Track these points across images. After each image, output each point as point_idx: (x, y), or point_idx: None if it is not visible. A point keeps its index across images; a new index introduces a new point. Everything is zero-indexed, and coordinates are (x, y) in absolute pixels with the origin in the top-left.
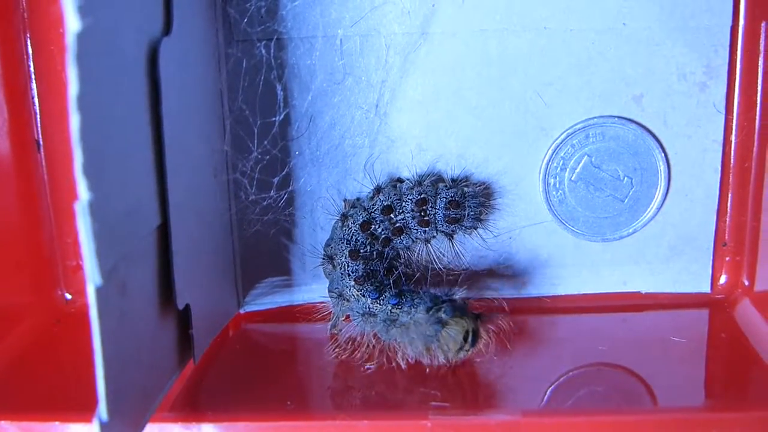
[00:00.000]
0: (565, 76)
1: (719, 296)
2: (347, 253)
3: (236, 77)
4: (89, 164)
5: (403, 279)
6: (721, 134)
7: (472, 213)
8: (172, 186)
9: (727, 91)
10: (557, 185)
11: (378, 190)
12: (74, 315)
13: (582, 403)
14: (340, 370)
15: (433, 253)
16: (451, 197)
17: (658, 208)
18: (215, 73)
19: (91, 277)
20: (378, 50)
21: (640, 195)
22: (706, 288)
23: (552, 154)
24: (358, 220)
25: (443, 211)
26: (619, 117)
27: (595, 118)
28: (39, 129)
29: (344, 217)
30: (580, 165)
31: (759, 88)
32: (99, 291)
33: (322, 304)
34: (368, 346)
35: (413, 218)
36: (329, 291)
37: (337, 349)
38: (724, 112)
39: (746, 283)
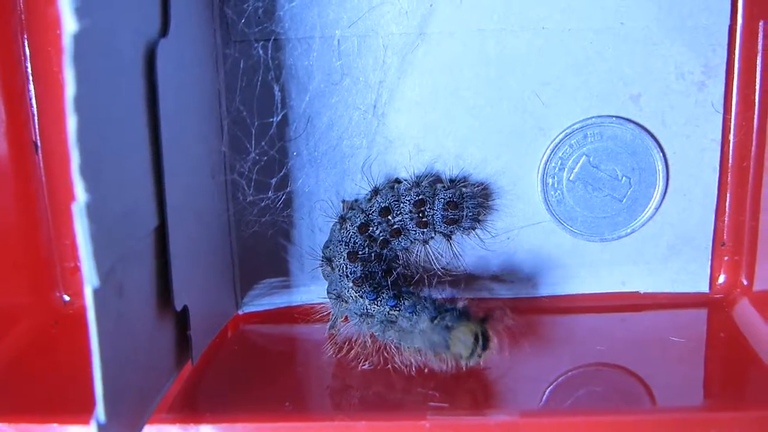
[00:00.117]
0: (563, 76)
1: (718, 296)
2: (345, 255)
3: (234, 78)
4: (86, 165)
5: (402, 280)
6: (719, 134)
7: (470, 214)
8: (169, 187)
9: (726, 90)
10: (555, 185)
11: (376, 191)
12: (72, 316)
13: (581, 403)
14: (338, 370)
15: (431, 254)
16: (449, 198)
17: (657, 208)
18: (213, 74)
19: (89, 278)
20: (376, 51)
21: (639, 195)
22: (704, 288)
23: (550, 154)
24: (356, 223)
25: (441, 212)
26: (617, 117)
27: (593, 117)
28: (37, 130)
29: (342, 219)
30: (579, 165)
31: (757, 87)
32: (96, 292)
33: (321, 305)
34: (366, 346)
35: (411, 219)
36: (328, 293)
37: (335, 349)
38: (722, 111)
39: (745, 282)
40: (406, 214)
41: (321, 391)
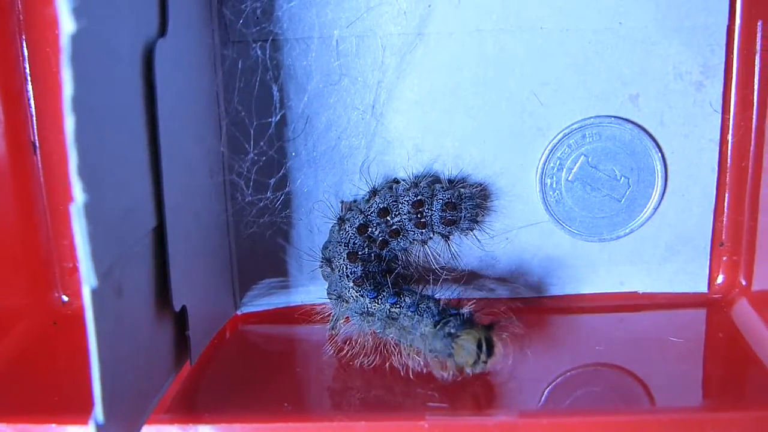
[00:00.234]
0: (562, 76)
1: (716, 296)
2: (345, 255)
3: (232, 78)
4: (84, 166)
5: (402, 280)
6: (717, 133)
7: (468, 215)
8: (168, 187)
9: (724, 90)
10: (554, 185)
11: (374, 192)
12: (71, 317)
13: (580, 403)
14: (336, 371)
15: (430, 254)
16: (448, 199)
17: (655, 208)
18: (211, 75)
19: (87, 278)
20: (374, 51)
21: (637, 195)
22: (703, 288)
23: (549, 155)
24: (355, 224)
25: (439, 213)
26: (615, 117)
27: (591, 118)
28: (35, 131)
29: (341, 220)
30: (577, 165)
31: (756, 87)
32: (95, 293)
33: (322, 306)
34: (366, 346)
35: (410, 220)
36: (328, 293)
37: (335, 349)
38: (720, 111)
39: (743, 282)
40: (405, 214)
41: (320, 392)
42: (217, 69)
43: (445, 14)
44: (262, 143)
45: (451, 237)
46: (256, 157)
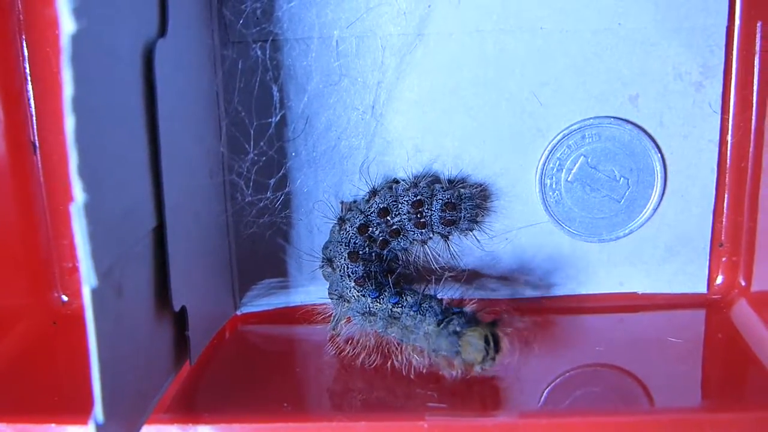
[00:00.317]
0: (561, 77)
1: (716, 297)
2: (346, 255)
3: (232, 78)
4: (84, 166)
5: (403, 280)
6: (717, 134)
7: (467, 215)
8: (168, 187)
9: (723, 91)
10: (553, 186)
11: (374, 192)
12: (71, 317)
13: (579, 403)
14: (336, 371)
15: (430, 254)
16: (447, 199)
17: (655, 209)
18: (211, 75)
19: (87, 278)
20: (374, 51)
21: (637, 195)
22: (702, 288)
23: (548, 155)
24: (355, 224)
25: (439, 213)
26: (615, 117)
27: (591, 118)
28: (35, 131)
29: (341, 220)
30: (577, 166)
31: (755, 87)
32: (95, 293)
33: (323, 306)
34: (368, 345)
35: (409, 220)
36: (330, 293)
37: (336, 350)
38: (720, 112)
39: (743, 283)
40: (404, 214)
41: (319, 392)
42: (217, 69)
43: (445, 15)
44: (262, 143)
45: (450, 237)
46: (256, 158)
